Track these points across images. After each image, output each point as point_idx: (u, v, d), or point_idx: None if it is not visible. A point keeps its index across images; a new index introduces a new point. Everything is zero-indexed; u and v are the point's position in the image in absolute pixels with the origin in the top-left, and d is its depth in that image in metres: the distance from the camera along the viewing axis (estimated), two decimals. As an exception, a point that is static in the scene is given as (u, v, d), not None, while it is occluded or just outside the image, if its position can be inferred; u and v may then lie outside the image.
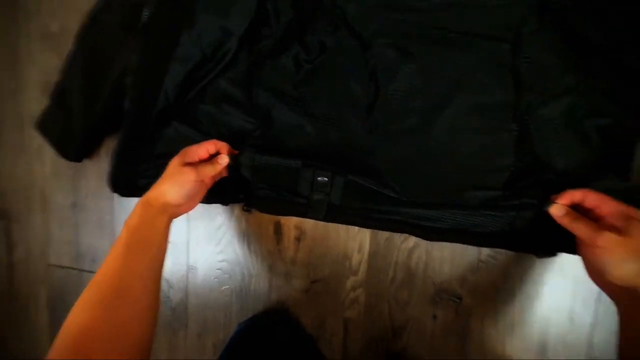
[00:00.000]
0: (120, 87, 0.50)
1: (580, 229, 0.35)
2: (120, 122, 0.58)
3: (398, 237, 0.52)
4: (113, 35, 0.48)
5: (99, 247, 0.64)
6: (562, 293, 0.48)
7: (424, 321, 0.52)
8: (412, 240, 0.51)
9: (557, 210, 0.37)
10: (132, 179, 0.51)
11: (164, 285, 0.62)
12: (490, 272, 0.50)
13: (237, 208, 0.57)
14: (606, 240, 0.33)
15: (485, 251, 0.49)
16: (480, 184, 0.45)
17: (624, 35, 0.41)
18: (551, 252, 0.44)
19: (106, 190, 0.61)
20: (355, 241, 0.54)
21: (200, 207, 0.58)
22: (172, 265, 0.61)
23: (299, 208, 0.49)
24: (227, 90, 0.51)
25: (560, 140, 0.44)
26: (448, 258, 0.51)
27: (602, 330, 0.48)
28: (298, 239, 0.56)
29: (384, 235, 0.52)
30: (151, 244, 0.39)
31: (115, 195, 0.61)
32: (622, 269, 0.33)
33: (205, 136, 0.51)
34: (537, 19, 0.43)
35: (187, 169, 0.41)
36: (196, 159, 0.43)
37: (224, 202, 0.52)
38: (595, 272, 0.36)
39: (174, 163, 0.42)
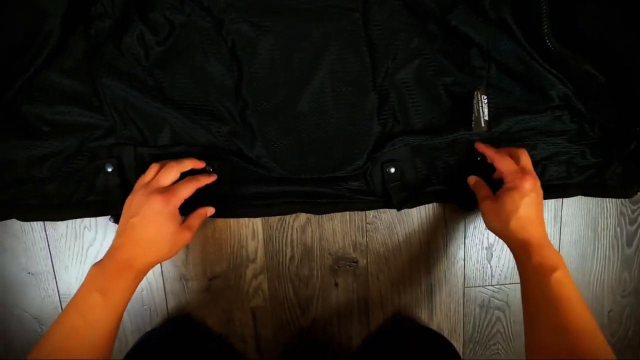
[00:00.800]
0: None
1: (478, 194, 0.45)
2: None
3: (289, 217, 0.52)
4: None
5: None
6: (436, 236, 0.54)
7: (328, 291, 0.54)
8: (303, 216, 0.52)
9: (470, 179, 0.47)
10: None
11: (34, 325, 0.52)
12: (377, 231, 0.53)
13: (105, 220, 0.50)
14: (482, 206, 0.44)
15: (370, 213, 0.52)
16: (350, 152, 0.47)
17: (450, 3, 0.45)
18: (412, 205, 0.49)
19: None
20: (247, 228, 0.52)
21: (65, 229, 0.50)
22: (41, 300, 0.52)
23: None
24: (61, 83, 0.43)
25: (415, 102, 0.48)
26: (339, 227, 0.53)
27: (472, 261, 0.55)
28: (187, 239, 0.52)
29: (274, 217, 0.52)
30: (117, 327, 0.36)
31: None
32: (491, 226, 0.43)
33: (37, 141, 0.43)
34: None
35: (184, 231, 0.40)
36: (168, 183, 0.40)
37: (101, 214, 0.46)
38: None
39: (167, 216, 0.38)
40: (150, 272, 0.51)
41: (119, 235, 0.38)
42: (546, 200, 0.50)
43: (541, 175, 0.49)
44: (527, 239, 0.39)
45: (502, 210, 0.41)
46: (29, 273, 0.51)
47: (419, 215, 0.53)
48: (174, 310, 0.53)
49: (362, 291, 0.55)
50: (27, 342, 0.52)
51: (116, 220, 0.45)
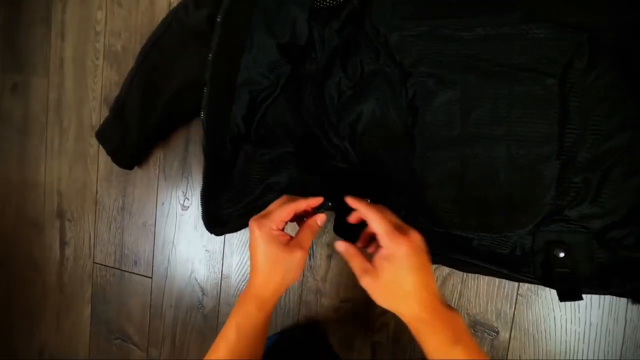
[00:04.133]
0: (173, 102, 0.54)
1: (353, 267, 0.37)
2: (170, 132, 0.63)
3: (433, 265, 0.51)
4: (172, 56, 0.52)
5: (140, 250, 0.68)
6: (610, 336, 0.45)
7: (456, 352, 0.51)
8: (447, 267, 0.50)
9: (338, 246, 0.38)
10: (218, 214, 0.51)
11: (197, 291, 0.64)
12: (530, 307, 0.47)
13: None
14: (365, 284, 0.35)
15: (525, 285, 0.47)
16: (516, 217, 0.43)
17: None
18: (573, 297, 0.41)
19: (151, 197, 0.66)
20: (387, 263, 0.53)
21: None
22: (207, 273, 0.64)
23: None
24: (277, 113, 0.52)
25: (613, 182, 0.41)
26: (484, 289, 0.49)
27: (657, 382, 0.44)
28: (330, 257, 0.56)
29: (417, 260, 0.51)
30: (261, 342, 0.39)
31: (158, 203, 0.65)
32: (381, 303, 0.35)
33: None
34: (588, 54, 0.41)
35: (293, 250, 0.37)
36: (282, 225, 0.38)
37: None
38: None
39: (265, 238, 0.36)
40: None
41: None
42: None
43: None
44: (417, 316, 0.33)
45: (385, 287, 0.34)
46: (206, 250, 0.63)
47: (590, 302, 0.45)
48: (303, 319, 0.58)
49: (497, 367, 0.49)
50: (190, 304, 0.65)
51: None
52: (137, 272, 0.68)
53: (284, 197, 0.40)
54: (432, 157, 0.46)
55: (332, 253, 0.56)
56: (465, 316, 0.50)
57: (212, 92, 0.47)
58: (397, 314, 0.35)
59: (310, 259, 0.57)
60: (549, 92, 0.42)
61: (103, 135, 0.60)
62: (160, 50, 0.53)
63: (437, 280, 0.51)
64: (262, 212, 0.38)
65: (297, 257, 0.37)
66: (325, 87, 0.50)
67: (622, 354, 0.45)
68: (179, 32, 0.52)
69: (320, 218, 0.41)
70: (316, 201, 0.41)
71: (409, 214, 0.46)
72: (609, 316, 0.45)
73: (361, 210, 0.37)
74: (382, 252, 0.34)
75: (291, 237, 0.38)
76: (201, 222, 0.59)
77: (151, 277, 0.67)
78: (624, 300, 0.44)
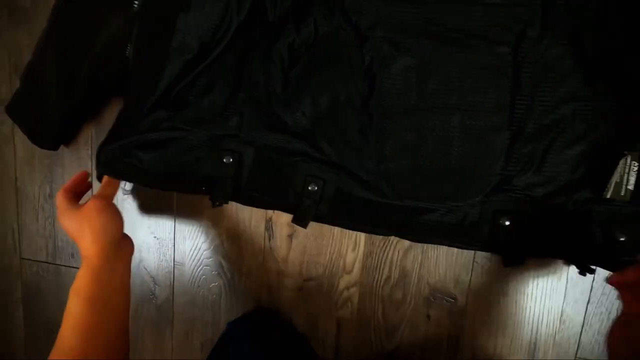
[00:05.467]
0: (100, 68, 0.46)
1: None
2: (99, 107, 0.55)
3: (394, 237, 0.51)
4: (95, 13, 0.44)
5: (78, 242, 0.60)
6: (554, 294, 0.48)
7: (418, 321, 0.52)
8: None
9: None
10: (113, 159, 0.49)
11: (149, 282, 0.59)
12: (485, 273, 0.49)
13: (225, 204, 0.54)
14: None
15: (482, 252, 0.49)
16: (466, 187, 0.44)
17: (625, 43, 0.40)
18: (517, 262, 0.44)
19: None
20: (350, 239, 0.52)
21: (187, 203, 0.56)
22: (158, 262, 0.58)
23: (286, 206, 0.47)
24: (212, 82, 0.47)
25: (555, 152, 0.43)
26: (443, 258, 0.50)
27: (592, 331, 0.48)
28: (290, 237, 0.54)
29: (379, 234, 0.51)
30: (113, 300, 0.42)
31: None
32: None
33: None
34: (540, 22, 0.41)
35: (94, 203, 0.42)
36: (83, 188, 0.47)
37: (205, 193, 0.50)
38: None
39: (70, 208, 0.43)
40: (251, 260, 0.55)
41: None
42: None
43: None
44: None
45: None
46: (155, 237, 0.58)
47: (536, 266, 0.48)
48: (265, 301, 0.56)
49: (455, 330, 0.51)
50: (141, 295, 0.60)
51: (220, 205, 0.49)
52: (75, 266, 0.61)
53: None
54: (388, 128, 0.45)
55: (293, 232, 0.54)
56: (426, 285, 0.51)
57: (137, 57, 0.41)
58: None
59: (269, 240, 0.54)
60: (502, 62, 0.42)
61: (15, 112, 0.50)
62: (78, 4, 0.44)
63: (399, 253, 0.51)
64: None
65: (91, 206, 0.42)
66: (273, 50, 0.45)
67: (563, 308, 0.49)
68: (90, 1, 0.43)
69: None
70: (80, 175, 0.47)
71: (371, 182, 0.46)
72: (553, 275, 0.48)
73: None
74: None
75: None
76: (149, 206, 0.54)
77: (92, 270, 0.60)
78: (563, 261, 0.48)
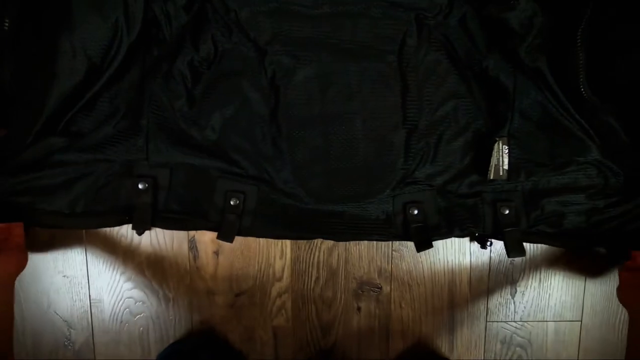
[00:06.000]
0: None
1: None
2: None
3: (317, 239, 0.53)
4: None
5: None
6: (461, 268, 0.54)
7: (350, 315, 0.55)
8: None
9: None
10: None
11: (62, 327, 0.54)
12: (403, 259, 0.54)
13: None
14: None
15: (397, 241, 0.53)
16: (374, 184, 0.48)
17: (486, 45, 0.47)
18: (426, 246, 0.48)
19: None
20: (276, 247, 0.53)
21: (98, 233, 0.52)
22: (71, 303, 0.53)
23: (209, 225, 0.47)
24: (112, 105, 0.46)
25: (445, 144, 0.48)
26: (365, 252, 0.54)
27: (496, 296, 0.55)
28: (216, 253, 0.53)
29: (304, 238, 0.53)
30: None
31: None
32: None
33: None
34: (417, 33, 0.47)
35: None
36: None
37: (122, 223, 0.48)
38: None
39: None
40: (177, 283, 0.53)
41: None
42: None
43: (559, 224, 0.49)
44: None
45: None
46: (64, 276, 0.53)
47: (444, 246, 0.54)
48: (197, 324, 0.54)
49: (384, 318, 0.55)
50: (54, 344, 0.54)
51: (141, 233, 0.48)
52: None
53: None
54: (296, 136, 0.47)
55: (218, 249, 0.53)
56: (353, 280, 0.54)
57: (19, 81, 0.38)
58: None
59: (195, 260, 0.53)
60: (391, 68, 0.47)
61: None
62: None
63: (324, 254, 0.53)
64: None
65: None
66: (174, 69, 0.45)
67: (471, 279, 0.55)
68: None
69: None
70: None
71: (288, 190, 0.48)
72: (459, 252, 0.54)
73: None
74: None
75: None
76: (52, 242, 0.50)
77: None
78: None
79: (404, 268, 0.54)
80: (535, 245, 0.54)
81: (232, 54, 0.46)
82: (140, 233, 0.47)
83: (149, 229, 0.47)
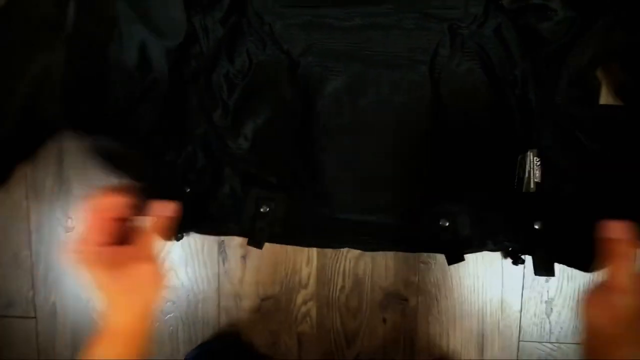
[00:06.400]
0: (27, 109, 0.44)
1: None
2: (35, 146, 0.52)
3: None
4: (15, 52, 0.43)
5: (14, 287, 0.56)
6: (492, 284, 0.53)
7: (375, 326, 0.54)
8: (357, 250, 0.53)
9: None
10: None
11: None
12: (431, 272, 0.53)
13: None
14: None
15: (425, 253, 0.52)
16: (404, 195, 0.47)
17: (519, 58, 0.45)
18: (457, 260, 0.46)
19: (20, 222, 0.55)
20: (303, 254, 0.54)
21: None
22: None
23: (240, 231, 0.48)
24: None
25: (476, 158, 0.47)
26: (392, 263, 0.53)
27: (529, 314, 0.53)
28: (244, 258, 0.54)
29: (330, 246, 0.53)
30: None
31: (32, 229, 0.55)
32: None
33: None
34: (450, 44, 0.46)
35: (130, 265, 0.29)
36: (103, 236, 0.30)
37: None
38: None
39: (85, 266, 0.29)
40: (207, 286, 0.54)
41: None
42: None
43: None
44: None
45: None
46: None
47: (475, 261, 0.52)
48: (225, 326, 0.55)
49: (410, 331, 0.54)
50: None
51: (180, 238, 0.50)
52: (14, 315, 0.57)
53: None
54: (327, 146, 0.47)
55: (246, 254, 0.54)
56: (379, 290, 0.53)
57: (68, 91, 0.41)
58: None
59: (224, 263, 0.54)
60: (423, 78, 0.47)
61: None
62: (8, 22, 0.42)
63: (350, 263, 0.53)
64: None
65: (141, 271, 0.29)
66: (211, 80, 0.47)
67: (502, 297, 0.53)
68: (22, 21, 0.42)
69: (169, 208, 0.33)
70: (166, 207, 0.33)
71: (318, 199, 0.48)
72: (490, 268, 0.53)
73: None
74: None
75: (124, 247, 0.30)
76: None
77: (35, 317, 0.57)
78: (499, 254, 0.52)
79: (432, 281, 0.53)
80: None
81: (265, 66, 0.48)
82: (179, 238, 0.49)
83: (187, 234, 0.49)
